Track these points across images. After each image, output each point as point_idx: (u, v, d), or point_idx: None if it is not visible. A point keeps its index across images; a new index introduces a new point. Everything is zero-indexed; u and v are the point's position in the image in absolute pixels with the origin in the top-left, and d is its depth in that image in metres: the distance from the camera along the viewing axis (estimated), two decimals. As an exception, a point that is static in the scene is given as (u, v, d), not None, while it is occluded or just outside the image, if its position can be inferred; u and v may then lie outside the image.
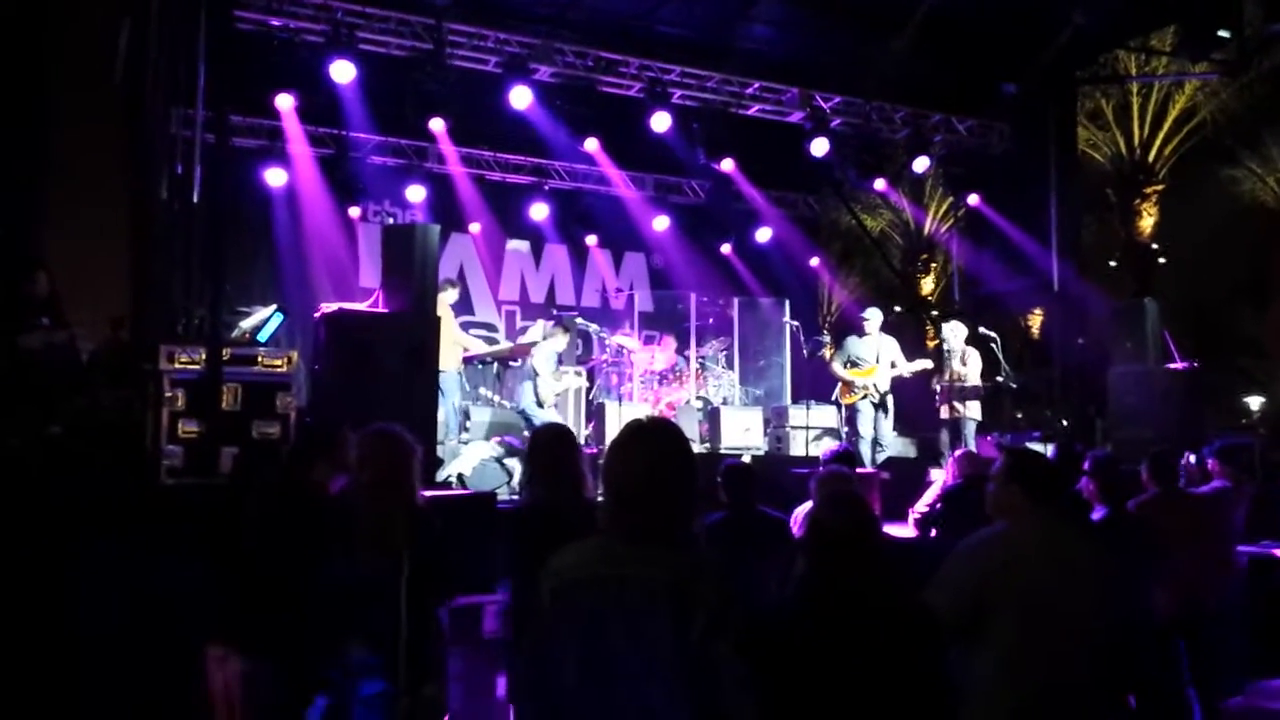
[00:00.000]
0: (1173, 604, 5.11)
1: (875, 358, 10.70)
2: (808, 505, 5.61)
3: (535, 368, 9.70)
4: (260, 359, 7.07)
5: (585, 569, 2.55)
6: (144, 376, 6.90)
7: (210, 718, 4.03)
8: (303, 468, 4.25)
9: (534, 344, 11.05)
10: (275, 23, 10.35)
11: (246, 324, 7.99)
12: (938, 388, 10.86)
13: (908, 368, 10.79)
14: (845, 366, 10.77)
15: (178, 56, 8.39)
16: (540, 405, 9.56)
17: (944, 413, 10.82)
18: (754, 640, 2.50)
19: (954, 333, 10.89)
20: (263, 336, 7.69)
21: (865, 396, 10.64)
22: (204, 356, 6.65)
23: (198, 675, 4.09)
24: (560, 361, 10.36)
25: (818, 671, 2.71)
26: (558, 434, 4.27)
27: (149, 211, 8.78)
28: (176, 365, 6.77)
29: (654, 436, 2.65)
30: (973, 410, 10.59)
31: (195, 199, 8.39)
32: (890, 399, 10.74)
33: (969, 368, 10.63)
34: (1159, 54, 15.63)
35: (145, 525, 5.59)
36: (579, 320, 12.44)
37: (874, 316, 10.96)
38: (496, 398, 11.13)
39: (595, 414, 11.10)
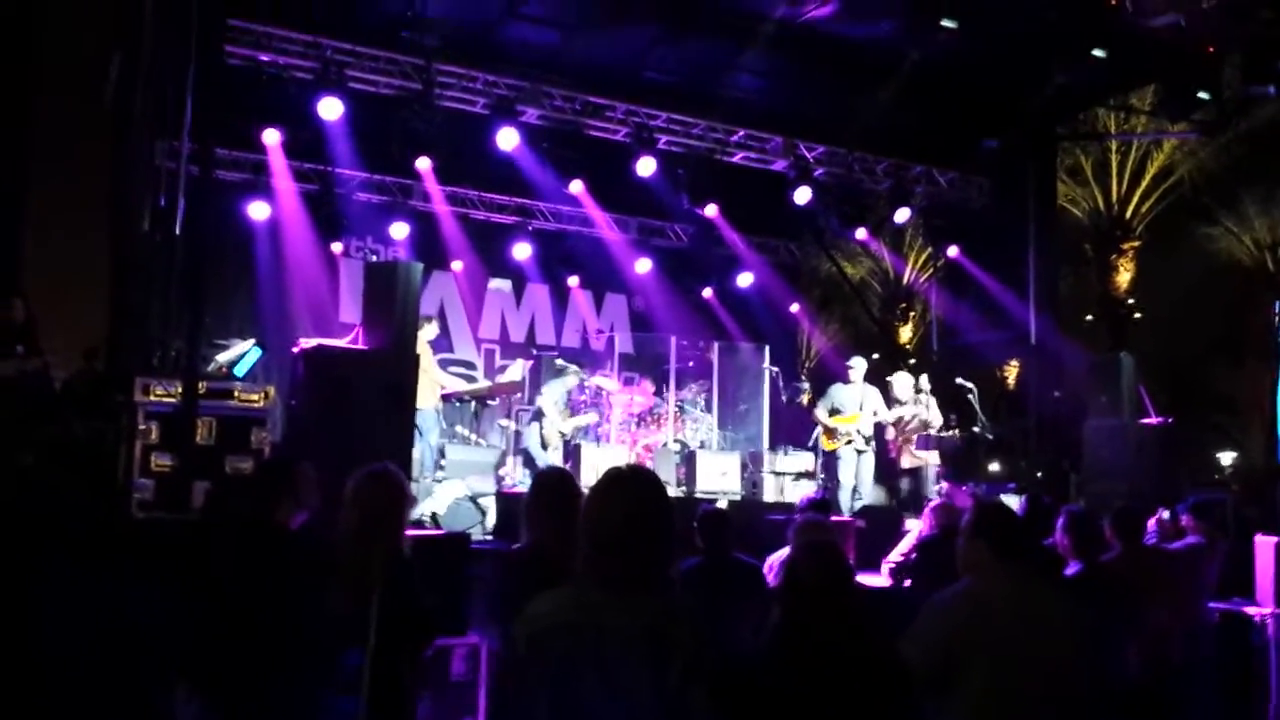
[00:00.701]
0: (1141, 661, 5.11)
1: (859, 405, 10.83)
2: (783, 552, 5.61)
3: (542, 408, 9.72)
4: (236, 393, 7.03)
5: (560, 615, 2.55)
6: (117, 408, 6.85)
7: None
8: (267, 504, 4.21)
9: (513, 383, 11.07)
10: (265, 58, 10.41)
11: (223, 358, 7.95)
12: (899, 438, 11.01)
13: (889, 415, 10.92)
14: (829, 414, 10.87)
15: (166, 88, 8.40)
16: (545, 448, 9.58)
17: (905, 462, 10.97)
18: (728, 688, 2.50)
19: (902, 383, 11.07)
20: (240, 371, 7.66)
21: (849, 443, 10.73)
22: (179, 389, 6.60)
23: (164, 713, 4.03)
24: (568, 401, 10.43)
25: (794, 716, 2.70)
26: (561, 478, 4.23)
27: (130, 242, 8.75)
28: (151, 397, 6.72)
29: (632, 484, 2.65)
30: (933, 458, 10.73)
31: (177, 231, 8.37)
32: (873, 446, 10.83)
33: (931, 415, 10.79)
34: (1139, 113, 15.90)
35: (114, 558, 5.51)
36: (558, 361, 12.43)
37: (859, 365, 11.12)
38: (473, 436, 11.09)
39: (572, 455, 11.07)
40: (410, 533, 5.39)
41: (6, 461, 6.54)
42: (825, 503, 6.36)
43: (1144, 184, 18.40)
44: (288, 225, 12.68)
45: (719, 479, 11.15)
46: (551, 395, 9.85)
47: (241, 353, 7.86)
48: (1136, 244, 18.80)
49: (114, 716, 4.89)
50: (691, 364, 13.81)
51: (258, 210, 12.29)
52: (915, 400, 11.04)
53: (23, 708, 4.93)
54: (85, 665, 4.99)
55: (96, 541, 5.61)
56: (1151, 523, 6.78)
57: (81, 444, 7.02)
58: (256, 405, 7.00)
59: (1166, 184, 18.43)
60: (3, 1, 9.70)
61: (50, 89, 10.13)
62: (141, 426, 6.66)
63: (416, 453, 8.89)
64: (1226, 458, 24.20)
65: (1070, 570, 5.17)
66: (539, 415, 9.68)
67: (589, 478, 10.19)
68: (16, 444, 6.73)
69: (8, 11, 9.59)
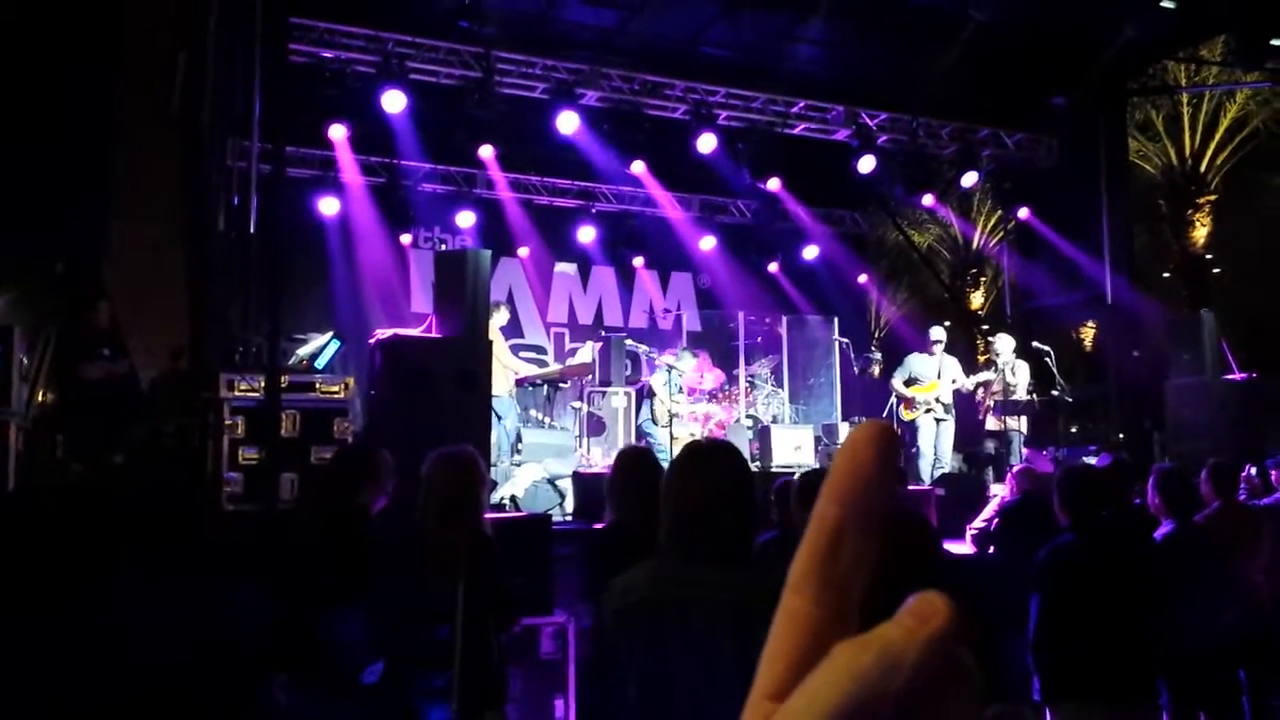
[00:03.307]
0: (1238, 622, 5.02)
1: (937, 374, 10.75)
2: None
3: (653, 386, 10.05)
4: (318, 386, 7.17)
5: (645, 590, 2.56)
6: (204, 404, 7.02)
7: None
8: (347, 490, 4.30)
9: (583, 365, 11.16)
10: (327, 54, 10.55)
11: (304, 351, 8.11)
12: (985, 400, 10.89)
13: (967, 382, 10.83)
14: (906, 383, 10.80)
15: (233, 89, 8.56)
16: (656, 423, 9.88)
17: (991, 424, 10.86)
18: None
19: (1003, 345, 10.91)
20: (320, 363, 7.80)
21: (928, 412, 10.67)
22: (262, 384, 6.74)
23: (261, 702, 4.14)
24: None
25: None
26: (642, 455, 4.27)
27: (206, 242, 8.95)
28: (236, 393, 6.88)
29: (713, 457, 2.67)
30: (1020, 424, 10.60)
31: (251, 229, 8.54)
32: (952, 414, 10.75)
33: (1018, 379, 10.64)
34: (1210, 64, 15.46)
35: (207, 551, 5.67)
36: (628, 341, 12.49)
37: (940, 335, 11.00)
38: (547, 419, 11.18)
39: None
40: (491, 516, 5.49)
41: (100, 462, 6.77)
42: (900, 471, 6.33)
43: (1218, 136, 17.90)
44: (357, 219, 12.88)
45: (793, 453, 11.13)
46: (660, 377, 10.09)
47: (320, 345, 8.01)
48: (1212, 198, 18.31)
49: (212, 708, 5.05)
50: (760, 339, 13.77)
51: (328, 205, 12.49)
52: (1014, 364, 10.89)
53: (121, 703, 5.12)
54: (182, 659, 5.17)
55: (189, 536, 5.80)
56: (1239, 479, 6.65)
57: (171, 442, 7.23)
58: (337, 396, 7.14)
59: (1241, 135, 17.91)
60: (86, 4, 9.94)
61: (129, 91, 10.35)
62: (228, 422, 6.82)
63: (494, 437, 9.00)
64: (1315, 412, 23.56)
65: (1163, 530, 5.09)
66: (650, 394, 9.91)
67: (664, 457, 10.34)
68: (108, 445, 6.95)
69: (91, 13, 9.82)
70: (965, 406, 11.15)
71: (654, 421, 9.91)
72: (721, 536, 2.55)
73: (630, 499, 3.97)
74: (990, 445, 10.92)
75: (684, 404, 10.65)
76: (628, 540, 3.84)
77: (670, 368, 11.84)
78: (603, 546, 4.05)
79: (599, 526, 4.24)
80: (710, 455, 2.67)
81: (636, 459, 4.19)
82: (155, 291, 9.71)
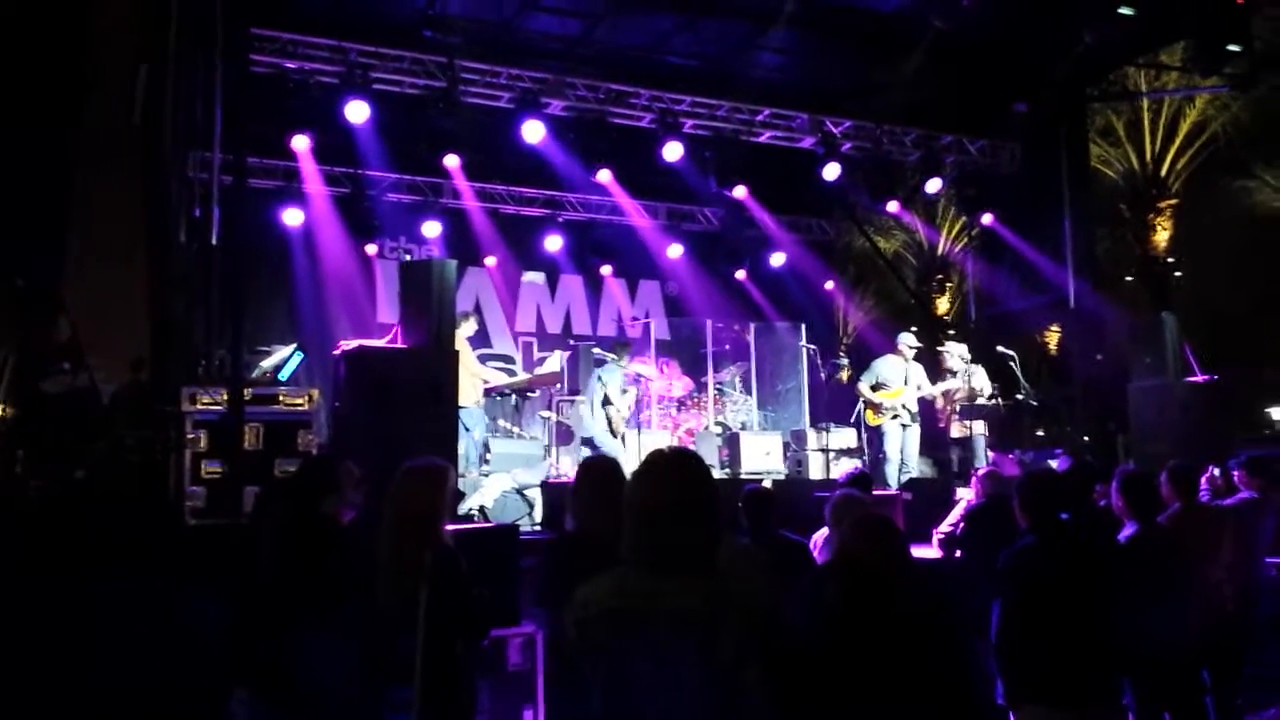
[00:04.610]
0: (1201, 622, 5.06)
1: (904, 379, 10.81)
2: (826, 530, 5.62)
3: (609, 396, 9.90)
4: (281, 398, 7.12)
5: (608, 600, 2.54)
6: (166, 418, 6.95)
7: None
8: (312, 500, 4.26)
9: (552, 374, 11.13)
10: (290, 65, 10.49)
11: (267, 363, 8.05)
12: (947, 408, 10.99)
13: (934, 390, 10.90)
14: (873, 388, 10.85)
15: (195, 100, 8.49)
16: (614, 435, 9.79)
17: (955, 431, 10.95)
18: (782, 665, 2.50)
19: (954, 351, 11.04)
20: (283, 375, 7.75)
21: (895, 417, 10.72)
22: (225, 397, 6.69)
23: (221, 714, 4.10)
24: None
25: (850, 698, 2.71)
26: (606, 464, 4.25)
27: (168, 254, 8.87)
28: (198, 406, 6.82)
29: (677, 466, 2.65)
30: (980, 427, 10.70)
31: (214, 241, 8.46)
32: (918, 420, 10.82)
33: (980, 384, 10.73)
34: (1169, 69, 15.62)
35: (170, 566, 5.61)
36: (595, 350, 12.48)
37: (909, 341, 11.06)
38: (515, 429, 11.15)
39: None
40: (458, 527, 5.45)
41: (61, 476, 6.68)
42: (866, 478, 6.35)
43: (1178, 141, 18.07)
44: (321, 229, 12.81)
45: (763, 459, 11.16)
46: (616, 383, 9.99)
47: (284, 358, 7.95)
48: (1173, 202, 18.47)
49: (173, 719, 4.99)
50: (728, 346, 13.79)
51: (291, 216, 12.41)
52: (968, 370, 11.02)
53: (83, 713, 5.04)
54: (143, 671, 5.10)
55: (151, 550, 5.73)
56: (1203, 480, 6.71)
57: (132, 456, 7.15)
58: (302, 408, 7.09)
59: (1201, 140, 18.11)
60: (47, 17, 9.84)
61: (89, 103, 10.26)
62: (190, 435, 6.76)
63: (462, 448, 8.95)
64: (1277, 413, 23.82)
65: (1127, 531, 5.13)
66: (606, 403, 9.81)
67: (634, 465, 10.29)
68: (69, 459, 6.87)
69: (52, 26, 9.73)
70: (927, 413, 11.22)
71: (612, 433, 9.85)
72: (685, 545, 2.54)
73: (591, 508, 3.95)
74: (955, 452, 11.01)
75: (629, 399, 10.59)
76: (586, 548, 3.83)
77: (639, 376, 11.85)
78: (558, 553, 4.03)
79: (555, 535, 4.21)
80: (672, 464, 2.66)
81: (599, 468, 4.17)
82: (116, 305, 9.63)
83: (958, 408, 11.03)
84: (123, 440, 7.39)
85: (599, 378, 10.37)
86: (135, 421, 7.62)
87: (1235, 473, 6.63)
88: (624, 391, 10.41)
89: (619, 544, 3.08)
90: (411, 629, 3.78)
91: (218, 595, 4.51)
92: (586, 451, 10.09)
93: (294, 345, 8.21)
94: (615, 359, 10.55)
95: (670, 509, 2.56)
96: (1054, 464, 8.01)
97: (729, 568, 2.61)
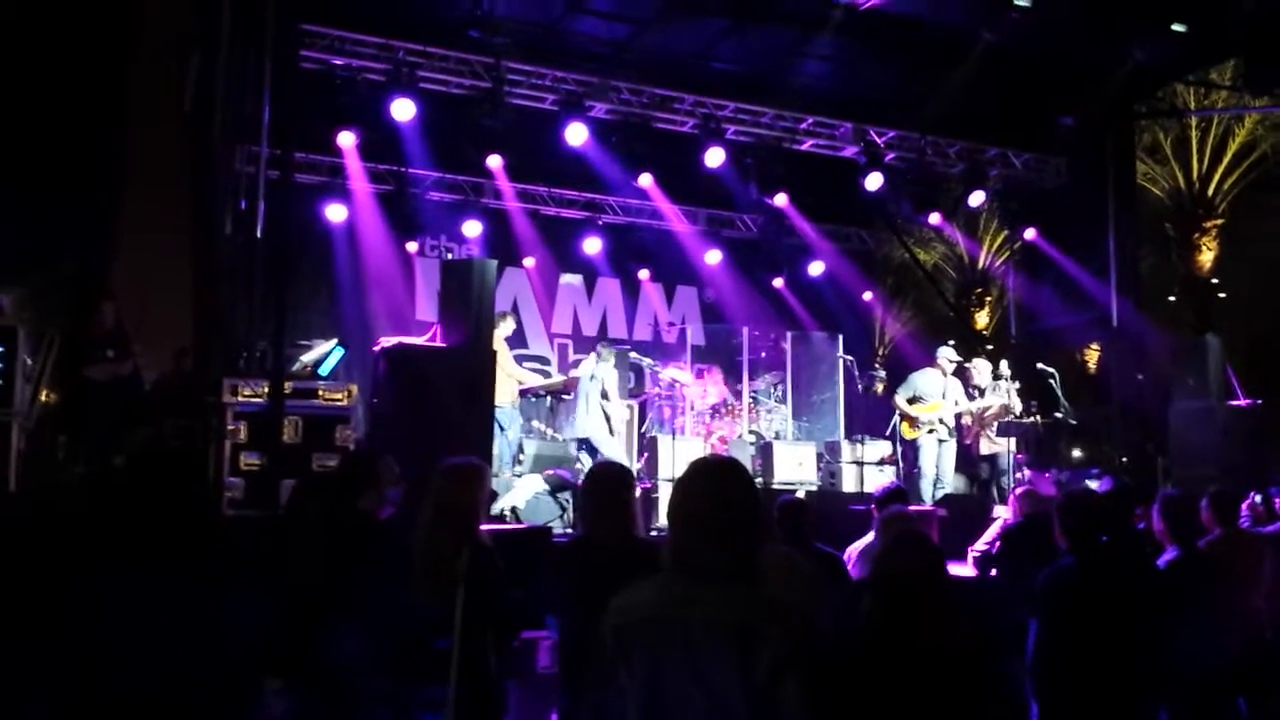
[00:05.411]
0: (1239, 650, 4.99)
1: (942, 394, 10.72)
2: (863, 542, 5.59)
3: (606, 392, 9.78)
4: (321, 392, 7.18)
5: (649, 608, 2.52)
6: (207, 408, 7.01)
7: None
8: (350, 495, 4.28)
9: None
10: (338, 62, 10.57)
11: (308, 358, 8.10)
12: (975, 427, 10.94)
13: (971, 406, 10.81)
14: (910, 401, 10.77)
15: (244, 93, 8.57)
16: (612, 434, 9.69)
17: (983, 448, 10.87)
18: (822, 680, 2.48)
19: (981, 369, 10.97)
20: (324, 370, 7.79)
21: (931, 431, 10.64)
22: (266, 390, 6.74)
23: (257, 707, 4.12)
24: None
25: (880, 714, 2.70)
26: (614, 471, 4.27)
27: (213, 246, 8.96)
28: (239, 398, 6.89)
29: (720, 474, 2.64)
30: (1009, 444, 10.61)
31: (258, 234, 8.54)
32: (954, 435, 10.75)
33: (1013, 401, 10.64)
34: (1219, 88, 15.46)
35: (206, 556, 5.65)
36: (632, 354, 12.48)
37: (953, 356, 11.03)
38: (549, 430, 11.17)
39: (648, 447, 11.10)
40: (491, 527, 5.47)
41: (101, 463, 6.75)
42: (902, 492, 6.30)
43: (1225, 161, 17.87)
44: (364, 226, 12.90)
45: (795, 469, 11.10)
46: (614, 378, 9.88)
47: (325, 352, 8.00)
48: (1219, 222, 18.26)
49: (206, 713, 5.03)
50: (764, 354, 13.73)
51: (335, 212, 12.50)
52: (995, 388, 10.92)
53: (119, 705, 5.09)
54: (178, 662, 5.14)
55: (189, 539, 5.78)
56: (1244, 506, 6.63)
57: (172, 445, 7.22)
58: (340, 403, 7.14)
59: (1249, 160, 17.89)
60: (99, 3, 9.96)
61: (140, 91, 10.37)
62: (230, 426, 6.83)
63: (496, 448, 8.98)
64: (1320, 439, 23.48)
65: (1167, 556, 5.07)
66: (604, 397, 9.72)
67: (665, 471, 10.26)
68: (110, 446, 6.93)
69: (103, 13, 9.84)
70: (959, 427, 11.16)
71: (610, 432, 9.74)
72: (727, 554, 2.52)
73: (601, 515, 3.96)
74: (983, 468, 10.94)
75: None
76: (589, 554, 3.83)
77: (674, 382, 11.82)
78: (566, 560, 4.04)
79: (563, 539, 4.22)
80: (715, 472, 2.65)
81: (608, 475, 4.18)
82: (161, 294, 9.72)
83: (989, 425, 10.94)
84: (163, 429, 7.47)
85: (592, 376, 10.08)
86: (177, 410, 7.70)
87: (1277, 500, 6.55)
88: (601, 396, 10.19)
89: (628, 550, 3.08)
90: (446, 626, 3.79)
91: (253, 586, 4.53)
92: (583, 454, 9.95)
93: (335, 340, 8.25)
94: (608, 354, 10.41)
95: (712, 517, 2.54)
96: (1093, 484, 7.91)
97: (770, 576, 2.59)
